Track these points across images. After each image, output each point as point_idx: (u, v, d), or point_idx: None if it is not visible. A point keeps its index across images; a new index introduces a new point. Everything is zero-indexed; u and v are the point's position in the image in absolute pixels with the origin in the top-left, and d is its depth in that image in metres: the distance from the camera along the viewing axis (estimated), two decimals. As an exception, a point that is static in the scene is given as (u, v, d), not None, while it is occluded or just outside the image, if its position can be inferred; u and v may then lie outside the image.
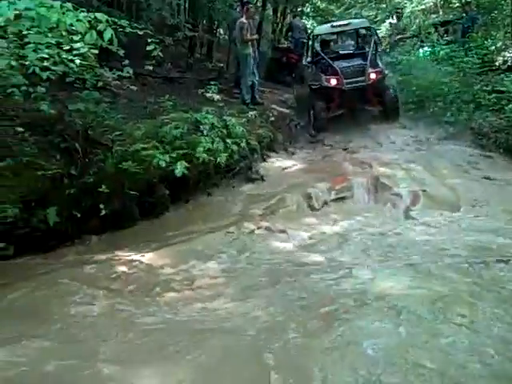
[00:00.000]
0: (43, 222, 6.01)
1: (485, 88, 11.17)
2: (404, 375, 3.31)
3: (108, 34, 4.61)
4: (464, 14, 15.20)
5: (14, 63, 5.08)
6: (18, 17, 4.52)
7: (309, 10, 23.86)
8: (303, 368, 3.54)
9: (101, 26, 4.60)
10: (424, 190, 7.89)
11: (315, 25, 23.43)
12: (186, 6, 15.34)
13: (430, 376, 3.30)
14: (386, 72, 11.42)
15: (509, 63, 13.70)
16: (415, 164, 9.09)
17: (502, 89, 10.91)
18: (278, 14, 18.51)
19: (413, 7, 23.20)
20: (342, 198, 7.98)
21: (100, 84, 7.22)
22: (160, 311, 4.63)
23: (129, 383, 3.43)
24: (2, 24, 4.55)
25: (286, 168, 9.70)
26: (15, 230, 5.73)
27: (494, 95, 10.85)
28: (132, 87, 10.19)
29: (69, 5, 4.69)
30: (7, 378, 3.53)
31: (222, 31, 18.26)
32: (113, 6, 10.74)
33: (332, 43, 13.42)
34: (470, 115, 10.75)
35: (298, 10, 19.98)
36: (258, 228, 6.88)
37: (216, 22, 15.76)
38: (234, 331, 4.13)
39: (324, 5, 25.11)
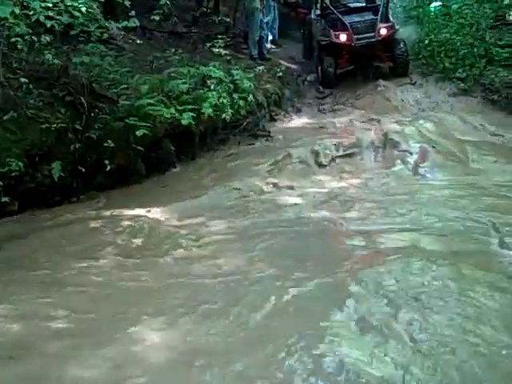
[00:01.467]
0: (48, 177, 5.97)
1: (498, 42, 10.89)
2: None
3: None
4: None
5: (17, 11, 4.94)
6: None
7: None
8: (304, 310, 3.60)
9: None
10: (433, 147, 7.77)
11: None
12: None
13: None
14: (397, 27, 11.13)
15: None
16: (424, 120, 8.96)
17: (516, 43, 10.67)
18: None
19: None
20: (350, 155, 7.86)
21: (105, 37, 7.07)
22: (166, 267, 4.60)
23: (129, 338, 3.40)
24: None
25: (293, 124, 9.61)
26: (20, 184, 5.69)
27: (506, 49, 10.60)
28: (138, 41, 9.98)
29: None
30: (16, 330, 3.53)
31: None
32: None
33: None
34: (481, 71, 10.51)
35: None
36: (266, 184, 6.82)
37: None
38: (239, 283, 4.12)
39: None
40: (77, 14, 5.59)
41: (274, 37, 13.40)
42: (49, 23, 5.37)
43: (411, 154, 7.66)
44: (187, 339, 3.37)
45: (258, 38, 11.46)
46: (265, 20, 12.10)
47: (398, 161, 7.50)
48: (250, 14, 11.48)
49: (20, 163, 5.41)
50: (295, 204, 6.20)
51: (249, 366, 3.03)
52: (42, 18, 5.24)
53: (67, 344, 3.36)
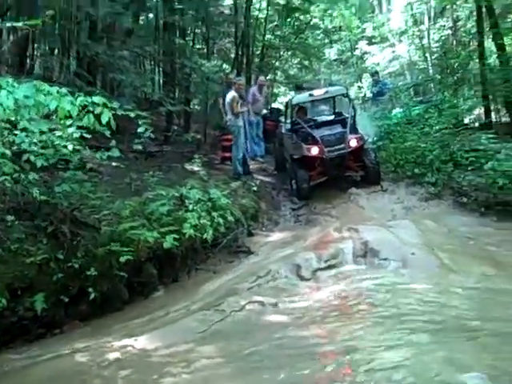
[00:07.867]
0: (30, 310, 5.84)
1: (462, 148, 11.34)
2: None
3: (106, 117, 4.67)
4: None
5: (7, 152, 5.02)
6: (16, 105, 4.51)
7: (279, 77, 24.45)
8: None
9: (98, 110, 4.64)
10: (413, 253, 7.85)
11: (287, 91, 24.00)
12: (162, 80, 15.63)
13: None
14: (366, 137, 11.53)
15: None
16: (400, 227, 9.09)
17: (478, 147, 11.11)
18: (252, 83, 18.77)
19: (380, 70, 24.07)
20: (332, 266, 7.88)
21: (88, 167, 7.18)
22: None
23: None
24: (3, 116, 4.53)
25: (271, 238, 9.67)
26: (1, 319, 5.56)
27: (471, 154, 11.03)
28: (112, 163, 10.13)
29: (64, 90, 4.70)
30: None
31: (196, 103, 18.51)
32: (95, 85, 10.82)
33: (307, 109, 13.51)
34: (449, 175, 10.88)
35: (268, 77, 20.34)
36: (249, 303, 6.73)
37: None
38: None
39: (293, 72, 25.76)
40: (65, 150, 5.70)
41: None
42: (39, 162, 5.45)
43: (392, 261, 7.73)
44: None
45: (242, 155, 11.80)
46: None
47: (381, 269, 7.55)
48: (235, 132, 11.81)
49: (3, 299, 5.30)
50: (282, 322, 6.12)
51: None
52: (32, 158, 5.34)
53: None
